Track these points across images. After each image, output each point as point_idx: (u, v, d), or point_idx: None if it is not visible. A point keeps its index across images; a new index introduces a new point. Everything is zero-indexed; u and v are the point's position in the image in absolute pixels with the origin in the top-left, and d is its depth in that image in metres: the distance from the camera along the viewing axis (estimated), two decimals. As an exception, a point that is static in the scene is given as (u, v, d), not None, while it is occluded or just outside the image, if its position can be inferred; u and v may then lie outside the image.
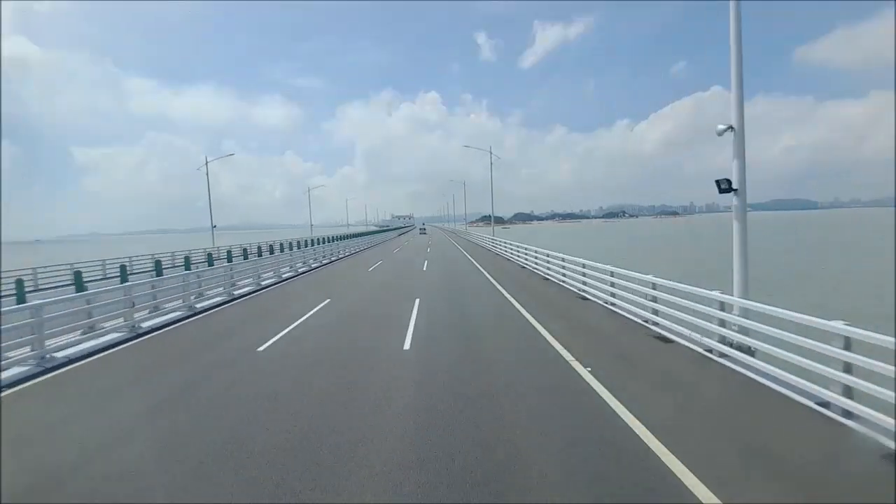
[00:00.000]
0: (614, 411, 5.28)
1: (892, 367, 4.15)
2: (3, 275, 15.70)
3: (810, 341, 5.17)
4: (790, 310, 5.65)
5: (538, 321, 9.85)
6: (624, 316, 10.14)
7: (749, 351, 6.43)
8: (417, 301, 12.47)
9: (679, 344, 7.74)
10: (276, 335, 9.39)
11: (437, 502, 3.68)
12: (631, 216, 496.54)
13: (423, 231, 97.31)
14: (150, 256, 24.35)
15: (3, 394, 6.61)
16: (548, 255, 17.47)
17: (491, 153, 35.30)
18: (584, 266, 13.13)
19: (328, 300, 13.35)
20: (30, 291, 15.01)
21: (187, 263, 19.28)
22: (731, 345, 6.74)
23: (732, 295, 7.03)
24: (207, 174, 30.46)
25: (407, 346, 8.16)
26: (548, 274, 16.97)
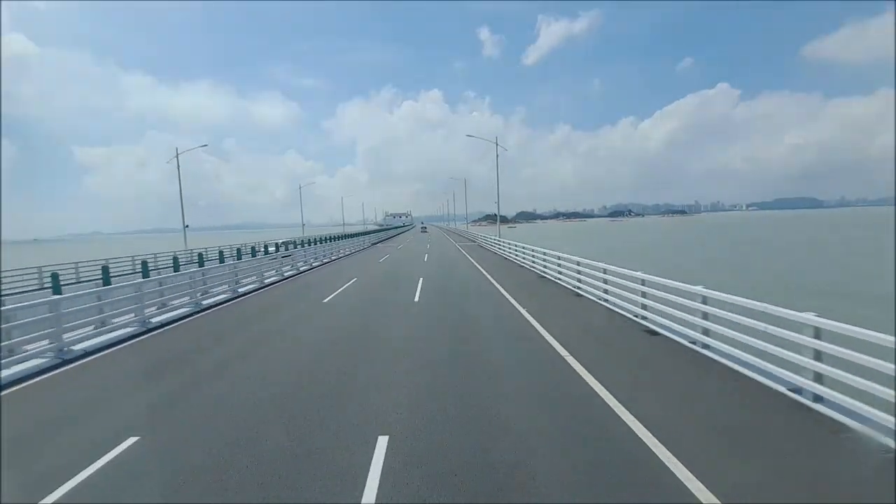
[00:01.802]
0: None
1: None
2: None
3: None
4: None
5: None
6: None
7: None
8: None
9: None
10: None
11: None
12: (637, 215, 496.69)
13: (423, 230, 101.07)
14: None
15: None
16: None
17: (497, 144, 31.09)
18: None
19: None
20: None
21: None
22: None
23: None
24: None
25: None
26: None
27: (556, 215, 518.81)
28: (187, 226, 34.40)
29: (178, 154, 33.24)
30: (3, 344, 7.23)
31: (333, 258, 29.56)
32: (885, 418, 4.17)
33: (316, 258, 26.74)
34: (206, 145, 35.57)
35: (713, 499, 3.53)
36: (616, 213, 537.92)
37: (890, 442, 4.11)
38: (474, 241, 45.94)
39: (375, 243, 51.64)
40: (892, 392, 4.03)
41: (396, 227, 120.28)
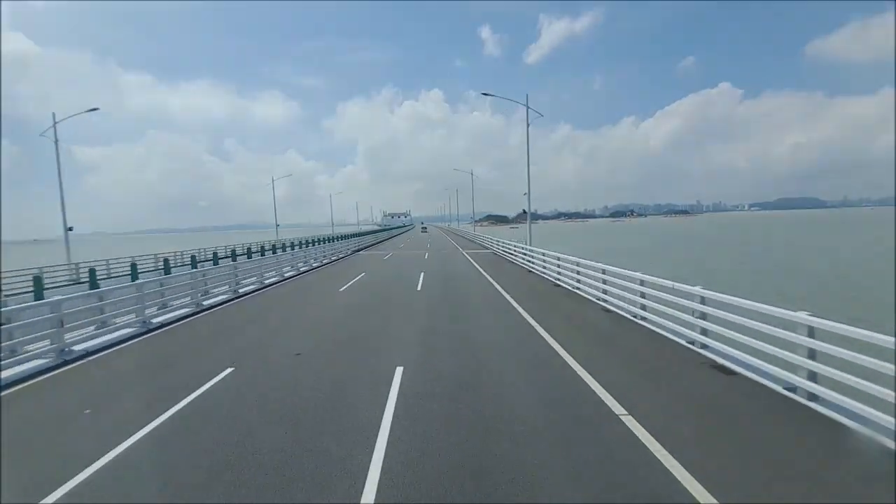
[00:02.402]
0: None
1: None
2: None
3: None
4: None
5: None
6: None
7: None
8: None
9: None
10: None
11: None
12: (639, 215, 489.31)
13: (424, 230, 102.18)
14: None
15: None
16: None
17: (528, 107, 23.10)
18: None
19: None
20: None
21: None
22: None
23: None
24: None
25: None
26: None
27: (558, 215, 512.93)
28: (70, 228, 27.17)
29: (55, 122, 25.14)
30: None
31: (268, 284, 17.84)
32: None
33: (236, 283, 15.90)
34: (96, 108, 27.30)
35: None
36: (618, 213, 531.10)
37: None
38: (486, 248, 34.28)
39: (359, 249, 40.13)
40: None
41: (394, 228, 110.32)
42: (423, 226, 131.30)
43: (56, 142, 25.11)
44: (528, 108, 23.10)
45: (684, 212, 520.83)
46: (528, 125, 23.54)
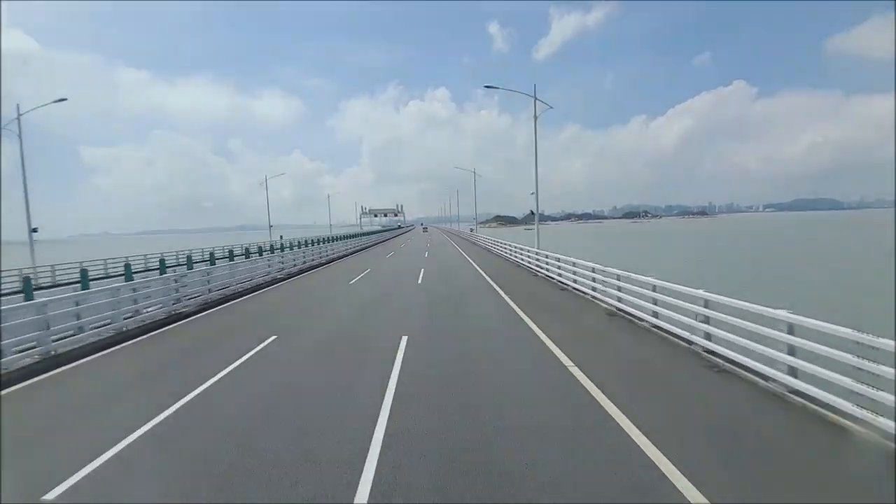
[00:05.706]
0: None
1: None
2: None
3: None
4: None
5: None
6: None
7: None
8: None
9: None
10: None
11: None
12: (654, 216, 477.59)
13: (424, 229, 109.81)
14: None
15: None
16: None
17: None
18: None
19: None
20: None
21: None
22: None
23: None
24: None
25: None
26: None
27: (567, 216, 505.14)
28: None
29: (20, 114, 24.60)
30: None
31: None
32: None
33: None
34: (64, 99, 27.59)
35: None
36: (630, 214, 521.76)
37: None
38: (534, 274, 20.71)
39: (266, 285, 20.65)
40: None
41: (382, 231, 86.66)
42: (424, 227, 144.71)
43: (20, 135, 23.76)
44: (535, 98, 22.63)
45: (702, 213, 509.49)
46: (535, 117, 22.40)
